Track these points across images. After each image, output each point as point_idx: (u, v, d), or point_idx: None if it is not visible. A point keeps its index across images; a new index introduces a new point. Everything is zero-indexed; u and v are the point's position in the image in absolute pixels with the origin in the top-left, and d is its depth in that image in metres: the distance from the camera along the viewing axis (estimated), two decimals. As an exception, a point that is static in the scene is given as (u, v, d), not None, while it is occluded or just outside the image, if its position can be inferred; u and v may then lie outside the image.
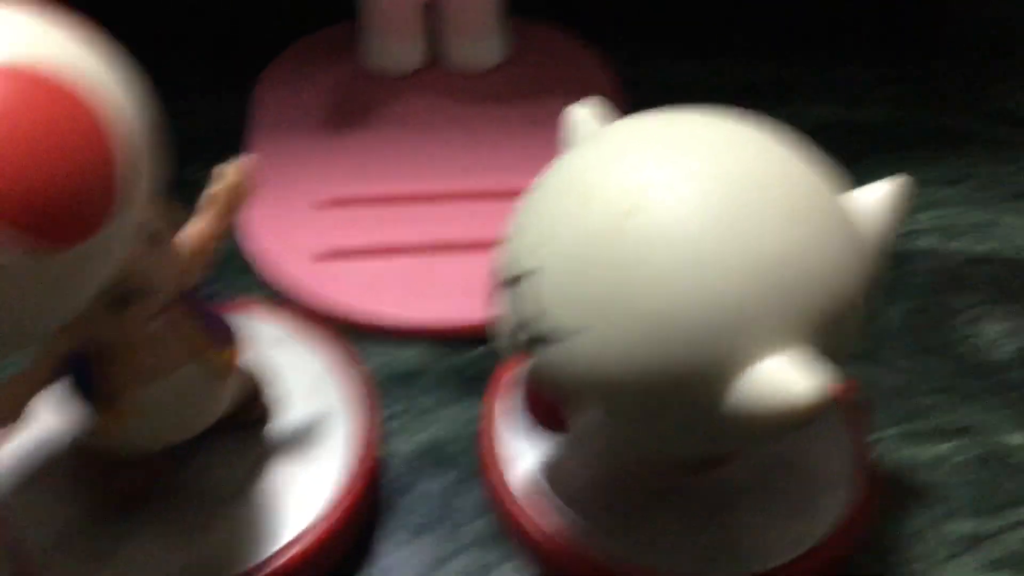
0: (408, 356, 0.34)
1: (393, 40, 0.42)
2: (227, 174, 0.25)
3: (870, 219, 0.24)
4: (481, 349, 0.34)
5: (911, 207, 0.25)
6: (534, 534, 0.28)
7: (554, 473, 0.28)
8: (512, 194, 0.36)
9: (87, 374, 0.24)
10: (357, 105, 0.41)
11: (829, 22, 0.48)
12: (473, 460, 0.31)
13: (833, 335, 0.22)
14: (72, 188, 0.18)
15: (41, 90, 0.18)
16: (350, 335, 0.34)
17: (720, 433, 0.23)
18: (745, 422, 0.21)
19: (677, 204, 0.21)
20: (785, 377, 0.21)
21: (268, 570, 0.26)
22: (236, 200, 0.25)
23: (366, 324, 0.34)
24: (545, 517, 0.27)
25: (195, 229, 0.25)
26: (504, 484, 0.28)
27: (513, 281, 0.23)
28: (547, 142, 0.39)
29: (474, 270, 0.35)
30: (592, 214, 0.22)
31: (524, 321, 0.23)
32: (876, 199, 0.24)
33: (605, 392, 0.22)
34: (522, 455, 0.29)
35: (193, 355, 0.25)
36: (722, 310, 0.21)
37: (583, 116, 0.25)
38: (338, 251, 0.36)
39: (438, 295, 0.35)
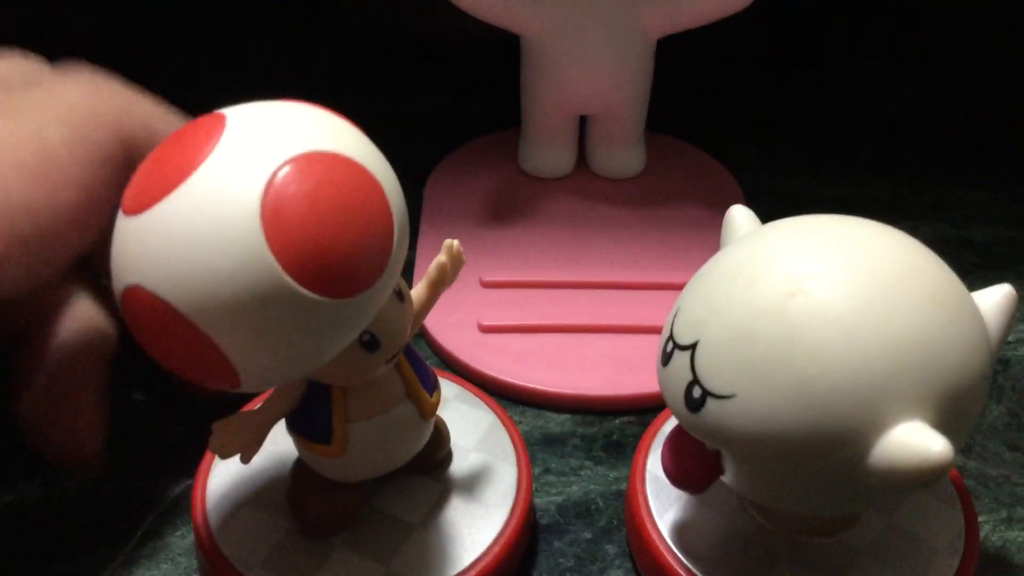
0: (558, 421, 0.37)
1: (548, 148, 0.46)
2: (448, 250, 0.29)
3: (988, 317, 0.27)
4: (621, 419, 0.38)
5: (1018, 317, 0.28)
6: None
7: (688, 528, 0.31)
8: (646, 285, 0.41)
9: (324, 407, 0.27)
10: (514, 202, 0.46)
11: (945, 145, 0.51)
12: (617, 513, 0.34)
13: (958, 411, 0.25)
14: (365, 250, 0.23)
15: (348, 171, 0.23)
16: (508, 400, 0.38)
17: (856, 491, 0.26)
18: (883, 479, 0.25)
19: (834, 289, 0.25)
20: (922, 440, 0.24)
21: (449, 591, 0.29)
22: (452, 274, 0.29)
23: (521, 391, 0.38)
24: (682, 567, 0.30)
25: (417, 292, 0.29)
26: (647, 536, 0.31)
27: (683, 348, 0.27)
28: (679, 242, 0.44)
29: (616, 349, 0.39)
30: (758, 293, 0.25)
31: (691, 383, 0.26)
32: (993, 301, 0.28)
33: (761, 448, 0.25)
34: (663, 511, 0.32)
35: (408, 396, 0.28)
36: (867, 381, 0.24)
37: (741, 216, 0.29)
38: (498, 326, 0.40)
39: (584, 370, 0.38)
